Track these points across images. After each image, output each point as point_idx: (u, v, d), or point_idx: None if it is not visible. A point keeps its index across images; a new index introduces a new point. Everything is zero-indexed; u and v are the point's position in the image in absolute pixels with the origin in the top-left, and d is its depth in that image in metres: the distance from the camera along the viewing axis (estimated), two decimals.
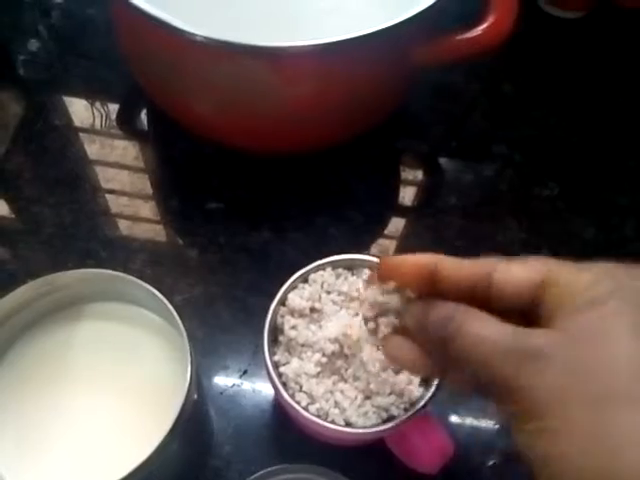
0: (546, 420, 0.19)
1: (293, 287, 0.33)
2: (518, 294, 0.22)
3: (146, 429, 0.28)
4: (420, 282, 0.25)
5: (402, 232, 0.45)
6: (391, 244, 0.45)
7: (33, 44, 0.53)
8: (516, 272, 0.23)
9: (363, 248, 0.44)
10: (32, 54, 0.52)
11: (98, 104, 0.50)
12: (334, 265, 0.33)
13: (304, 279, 0.33)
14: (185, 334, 0.28)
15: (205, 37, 0.33)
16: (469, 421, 0.37)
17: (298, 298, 0.32)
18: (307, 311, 0.32)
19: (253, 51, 0.33)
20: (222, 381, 0.38)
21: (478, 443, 0.37)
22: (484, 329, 0.22)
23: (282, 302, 0.32)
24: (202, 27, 0.33)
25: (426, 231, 0.45)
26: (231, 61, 0.35)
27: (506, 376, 0.20)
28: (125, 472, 0.25)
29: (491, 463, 0.36)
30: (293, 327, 0.31)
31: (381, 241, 0.45)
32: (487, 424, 0.37)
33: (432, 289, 0.24)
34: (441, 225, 0.45)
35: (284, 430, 0.36)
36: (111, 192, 0.45)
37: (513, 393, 0.20)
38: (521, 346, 0.20)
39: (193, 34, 0.33)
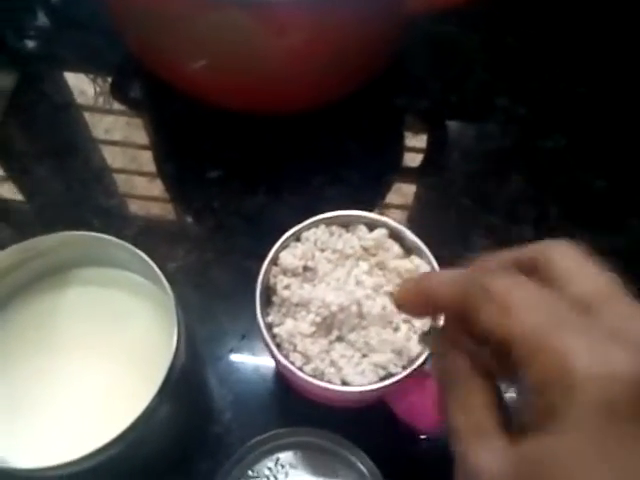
0: None
1: (285, 246, 0.32)
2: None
3: (136, 392, 0.27)
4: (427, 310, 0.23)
5: (403, 192, 0.44)
6: (392, 205, 0.43)
7: (26, 16, 0.52)
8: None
9: (362, 209, 0.42)
10: (25, 26, 0.51)
11: (91, 74, 0.49)
12: (328, 222, 0.32)
13: (296, 238, 0.32)
14: (171, 293, 0.27)
15: None
16: None
17: (290, 257, 0.31)
18: (300, 270, 0.31)
19: (241, 2, 0.32)
20: (220, 347, 0.37)
21: None
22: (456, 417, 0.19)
23: (274, 262, 0.31)
24: None
25: (429, 190, 0.44)
26: (219, 13, 0.34)
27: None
28: (114, 434, 0.25)
29: None
30: (286, 287, 0.30)
31: (381, 201, 0.43)
32: None
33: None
34: (444, 184, 0.44)
35: (284, 395, 0.36)
36: (105, 161, 0.45)
37: None
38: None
39: None
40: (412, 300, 0.22)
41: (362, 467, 0.33)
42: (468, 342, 0.20)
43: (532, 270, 0.19)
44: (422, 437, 0.35)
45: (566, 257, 0.19)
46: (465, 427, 0.19)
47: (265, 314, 0.30)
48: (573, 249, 0.19)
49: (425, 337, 0.29)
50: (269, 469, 0.34)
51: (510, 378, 0.19)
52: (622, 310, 0.17)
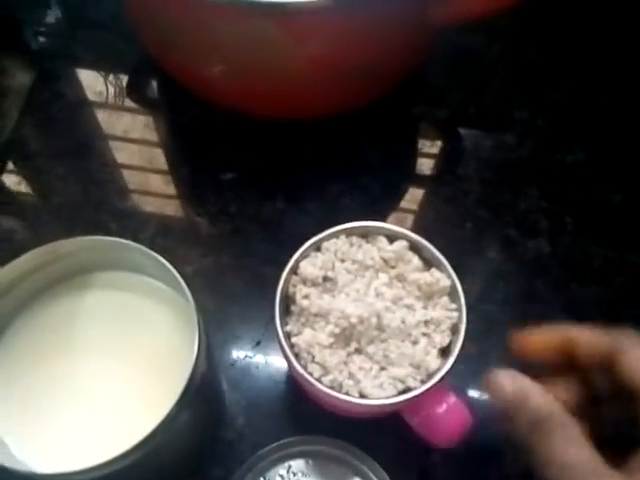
0: None
1: (305, 255, 0.31)
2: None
3: (154, 400, 0.27)
4: (553, 356, 0.26)
5: (420, 202, 0.44)
6: (409, 214, 0.43)
7: (42, 13, 0.52)
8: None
9: (379, 218, 0.42)
10: (41, 24, 0.51)
11: (108, 74, 0.49)
12: (348, 233, 0.32)
13: (317, 247, 0.32)
14: (193, 302, 0.27)
15: None
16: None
17: (310, 267, 0.31)
18: (320, 280, 0.31)
19: (263, 9, 0.32)
20: (234, 353, 0.37)
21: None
22: (567, 454, 0.21)
23: (294, 271, 0.31)
24: None
25: (445, 200, 0.44)
26: (239, 21, 0.34)
27: None
28: (133, 442, 0.25)
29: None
30: (305, 296, 0.30)
31: (398, 210, 0.43)
32: None
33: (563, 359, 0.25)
34: (460, 194, 0.44)
35: (298, 402, 0.36)
36: (121, 162, 0.45)
37: None
38: None
39: None
40: (545, 342, 0.25)
41: (374, 477, 0.33)
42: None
43: None
44: (434, 449, 0.35)
45: None
46: (585, 471, 0.20)
47: (284, 323, 0.30)
48: None
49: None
50: (281, 477, 0.34)
51: (621, 422, 0.22)
52: None
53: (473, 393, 0.36)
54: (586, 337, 0.25)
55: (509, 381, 0.25)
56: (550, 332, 0.26)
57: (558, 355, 0.25)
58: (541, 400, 0.23)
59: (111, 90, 0.48)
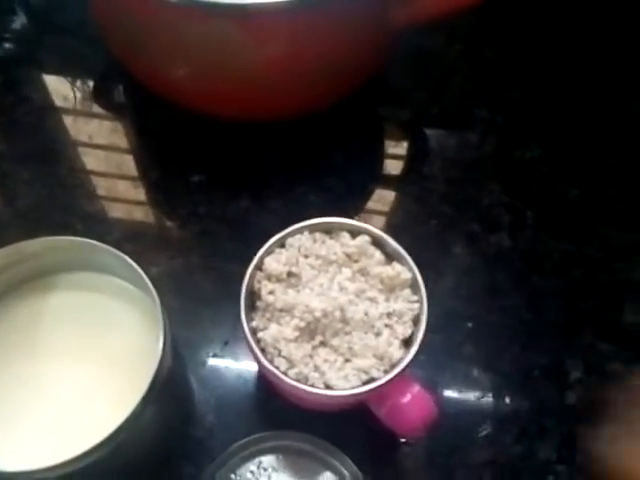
0: None
1: (270, 252, 0.32)
2: None
3: (121, 399, 0.27)
4: None
5: (385, 200, 0.44)
6: (374, 213, 0.44)
7: (8, 20, 0.51)
8: None
9: (344, 217, 0.43)
10: (7, 30, 0.51)
11: (75, 79, 0.49)
12: (311, 229, 0.33)
13: (281, 244, 0.32)
14: (157, 299, 0.28)
15: None
16: (457, 388, 0.37)
17: (275, 262, 0.31)
18: (284, 276, 0.31)
19: (222, 10, 0.33)
20: (203, 352, 0.38)
21: (467, 411, 0.37)
22: None
23: (259, 267, 0.32)
24: None
25: (410, 199, 0.45)
26: (202, 22, 0.34)
27: None
28: (98, 439, 0.25)
29: (484, 433, 0.36)
30: (270, 292, 0.31)
31: (364, 210, 0.44)
32: (475, 391, 0.37)
33: None
34: (425, 192, 0.44)
35: (267, 400, 0.36)
36: (88, 165, 0.45)
37: None
38: None
39: None
40: None
41: (344, 470, 0.34)
42: None
43: None
44: (403, 441, 0.36)
45: None
46: None
47: (249, 319, 0.30)
48: None
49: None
50: (251, 472, 0.34)
51: None
52: None
53: (441, 386, 0.37)
54: None
55: None
56: None
57: None
58: None
59: (77, 95, 0.48)
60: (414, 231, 0.43)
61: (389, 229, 0.43)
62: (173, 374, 0.29)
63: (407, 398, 0.30)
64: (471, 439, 0.36)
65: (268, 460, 0.34)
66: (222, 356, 0.38)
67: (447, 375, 0.37)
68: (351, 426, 0.35)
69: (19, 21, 0.52)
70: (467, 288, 0.40)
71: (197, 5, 0.32)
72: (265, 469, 0.34)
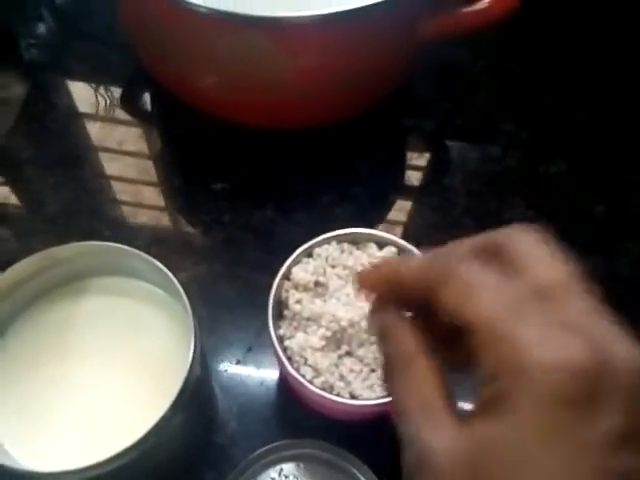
0: None
1: (297, 261, 0.32)
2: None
3: (149, 402, 0.28)
4: (390, 291, 0.22)
5: (408, 212, 0.45)
6: (397, 224, 0.44)
7: (36, 26, 0.52)
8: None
9: (369, 227, 0.44)
10: (35, 36, 0.52)
11: (101, 85, 0.50)
12: (339, 239, 0.33)
13: (308, 254, 0.33)
14: (189, 307, 0.28)
15: (207, 8, 0.33)
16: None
17: (302, 272, 0.31)
18: (312, 285, 0.31)
19: (255, 22, 0.33)
20: (227, 359, 0.38)
21: None
22: (406, 392, 0.19)
23: (286, 276, 0.32)
24: None
25: (432, 210, 0.45)
26: (233, 33, 0.35)
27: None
28: (127, 442, 0.25)
29: None
30: (298, 301, 0.31)
31: (387, 220, 0.44)
32: None
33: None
34: (447, 204, 0.45)
35: (289, 407, 0.36)
36: (114, 172, 0.45)
37: None
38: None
39: (195, 5, 0.33)
40: (375, 280, 0.22)
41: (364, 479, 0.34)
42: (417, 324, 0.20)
43: (497, 255, 0.19)
44: None
45: (529, 243, 0.19)
46: (415, 408, 0.19)
47: (276, 327, 0.31)
48: (537, 235, 0.19)
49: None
50: None
51: (462, 361, 0.20)
52: (578, 303, 0.18)
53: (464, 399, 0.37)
54: (409, 271, 0.21)
55: (379, 314, 0.22)
56: (384, 266, 0.22)
57: (390, 290, 0.22)
58: (399, 336, 0.20)
59: (105, 102, 0.48)
60: (435, 242, 0.43)
61: (410, 239, 0.43)
62: (201, 381, 0.29)
63: None
64: None
65: (289, 468, 0.34)
66: (245, 363, 0.38)
67: (469, 386, 0.37)
68: (373, 436, 0.35)
69: (46, 27, 0.52)
70: None
71: (230, 17, 0.33)
72: (286, 477, 0.34)
